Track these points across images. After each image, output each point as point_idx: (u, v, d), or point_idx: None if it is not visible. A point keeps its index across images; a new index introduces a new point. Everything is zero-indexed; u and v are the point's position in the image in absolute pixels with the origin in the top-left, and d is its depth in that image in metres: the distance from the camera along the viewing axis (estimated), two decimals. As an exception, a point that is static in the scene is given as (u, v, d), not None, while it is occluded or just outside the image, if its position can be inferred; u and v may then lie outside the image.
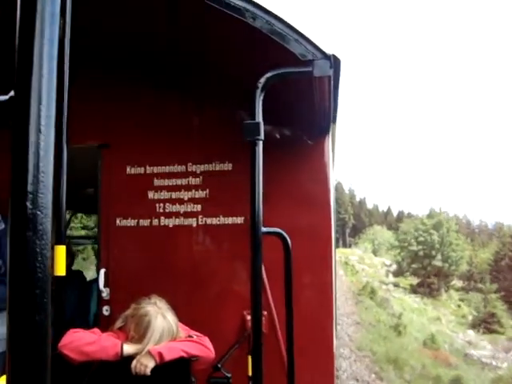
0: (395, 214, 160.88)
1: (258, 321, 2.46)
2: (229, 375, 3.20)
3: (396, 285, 59.66)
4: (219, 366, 3.18)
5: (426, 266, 60.94)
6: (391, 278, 64.76)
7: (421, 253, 61.88)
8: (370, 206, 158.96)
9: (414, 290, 59.66)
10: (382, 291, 44.89)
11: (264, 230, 2.40)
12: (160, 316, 2.91)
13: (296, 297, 3.00)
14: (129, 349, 2.81)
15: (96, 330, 3.00)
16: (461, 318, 49.20)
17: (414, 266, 62.09)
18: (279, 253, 2.75)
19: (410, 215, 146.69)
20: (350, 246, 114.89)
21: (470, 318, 48.10)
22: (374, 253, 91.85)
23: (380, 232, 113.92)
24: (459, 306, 54.52)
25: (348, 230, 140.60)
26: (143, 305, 2.96)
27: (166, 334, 2.88)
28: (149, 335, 2.83)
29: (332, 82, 3.18)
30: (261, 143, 2.42)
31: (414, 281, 62.54)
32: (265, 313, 4.06)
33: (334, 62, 2.89)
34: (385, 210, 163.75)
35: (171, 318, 2.97)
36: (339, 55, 2.89)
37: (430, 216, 78.36)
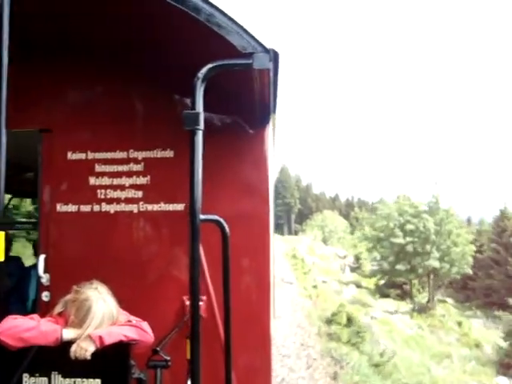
0: (343, 200, 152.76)
1: (196, 305, 2.55)
2: (168, 358, 3.27)
3: (358, 285, 47.52)
4: (158, 349, 3.25)
5: (416, 267, 41.98)
6: (349, 275, 54.42)
7: (409, 247, 41.76)
8: (316, 191, 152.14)
9: (383, 292, 45.63)
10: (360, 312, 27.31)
11: (202, 217, 2.48)
12: (101, 301, 2.94)
13: (234, 282, 3.10)
14: (69, 334, 2.83)
15: (35, 315, 3.00)
16: (475, 347, 31.44)
17: (399, 266, 42.11)
18: (218, 239, 2.84)
19: (361, 202, 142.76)
20: (296, 234, 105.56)
21: (491, 351, 30.62)
22: (325, 241, 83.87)
23: (331, 218, 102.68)
24: (469, 328, 35.61)
25: (294, 216, 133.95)
26: (84, 289, 2.98)
27: (106, 318, 2.92)
28: (89, 320, 2.86)
29: (271, 75, 3.28)
30: (200, 133, 2.50)
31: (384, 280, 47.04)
32: (204, 298, 4.14)
33: (274, 56, 2.99)
34: (332, 196, 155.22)
35: (112, 302, 3.00)
36: (279, 49, 3.00)
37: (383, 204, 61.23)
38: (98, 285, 3.05)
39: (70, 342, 2.80)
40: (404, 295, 45.10)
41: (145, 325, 3.06)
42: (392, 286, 46.19)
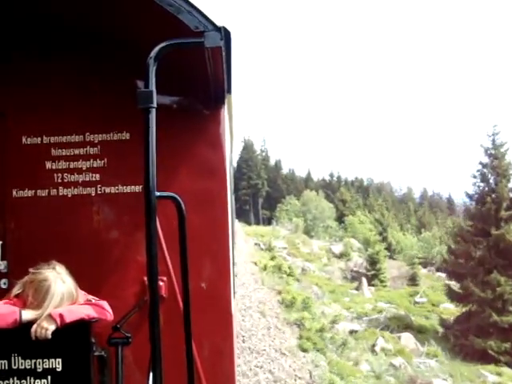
0: (315, 179, 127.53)
1: (154, 285, 2.57)
2: (128, 335, 3.30)
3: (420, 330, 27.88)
4: (118, 326, 3.27)
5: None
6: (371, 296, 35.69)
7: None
8: (284, 171, 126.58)
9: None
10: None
11: (157, 194, 2.50)
12: (59, 280, 2.94)
13: (193, 262, 3.14)
14: (28, 315, 2.83)
15: None
16: None
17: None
18: (177, 220, 2.87)
19: (343, 181, 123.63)
20: (265, 223, 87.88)
21: None
22: (307, 232, 63.56)
23: (313, 201, 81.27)
24: None
25: (261, 200, 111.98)
26: (42, 270, 2.98)
27: (65, 298, 2.92)
28: (48, 300, 2.86)
29: (224, 53, 3.30)
30: (154, 111, 2.51)
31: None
32: (164, 278, 4.18)
33: (225, 34, 3.02)
34: (303, 176, 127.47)
35: (70, 282, 3.01)
36: (229, 27, 3.02)
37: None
38: (56, 265, 3.05)
39: (29, 324, 2.80)
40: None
41: (104, 303, 3.08)
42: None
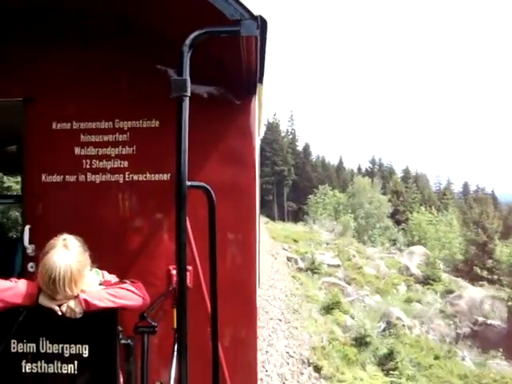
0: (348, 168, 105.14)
1: (182, 274, 2.56)
2: (155, 324, 3.30)
3: None
4: (145, 315, 3.27)
5: None
6: None
7: None
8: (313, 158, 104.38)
9: None
10: None
11: (188, 183, 2.48)
12: (60, 265, 2.74)
13: (220, 252, 3.11)
14: (44, 300, 2.79)
15: (13, 279, 2.95)
16: None
17: None
18: (205, 210, 2.84)
19: (388, 170, 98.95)
20: (291, 217, 76.54)
21: None
22: (359, 236, 48.64)
23: (368, 192, 61.23)
24: None
25: (287, 190, 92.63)
26: (49, 255, 2.79)
27: (67, 281, 2.73)
28: (52, 287, 2.72)
29: (259, 43, 3.27)
30: (187, 99, 2.49)
31: None
32: (190, 268, 4.17)
33: (261, 23, 2.97)
34: (334, 165, 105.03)
35: (76, 261, 2.80)
36: (267, 16, 2.98)
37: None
38: (66, 242, 2.88)
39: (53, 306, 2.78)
40: None
41: (137, 287, 3.04)
42: None
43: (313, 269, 23.09)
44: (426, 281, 28.52)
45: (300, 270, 23.52)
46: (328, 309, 15.45)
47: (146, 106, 4.39)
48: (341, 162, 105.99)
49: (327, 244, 33.26)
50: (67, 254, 2.81)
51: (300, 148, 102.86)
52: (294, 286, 18.71)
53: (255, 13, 2.90)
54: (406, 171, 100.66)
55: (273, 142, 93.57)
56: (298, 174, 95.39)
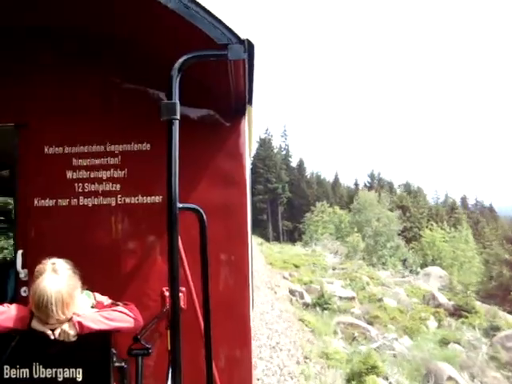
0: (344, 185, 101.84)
1: (175, 296, 2.57)
2: (148, 346, 3.30)
3: None
4: (138, 337, 3.27)
5: None
6: None
7: None
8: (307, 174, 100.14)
9: None
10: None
11: (180, 205, 2.51)
12: (50, 292, 2.73)
13: (213, 273, 3.13)
14: (37, 325, 2.79)
15: (5, 304, 2.96)
16: None
17: None
18: (197, 231, 2.87)
19: (384, 183, 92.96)
20: (287, 237, 74.06)
21: None
22: (370, 258, 43.77)
23: (375, 208, 54.62)
24: None
25: (281, 209, 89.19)
26: (38, 281, 2.80)
27: (59, 307, 2.72)
28: (44, 312, 2.72)
29: (247, 66, 3.32)
30: (177, 122, 2.52)
31: None
32: (183, 289, 4.18)
33: (248, 47, 3.03)
34: (330, 181, 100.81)
35: (65, 286, 2.79)
36: (254, 40, 3.03)
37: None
38: (55, 266, 2.88)
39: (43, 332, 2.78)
40: None
41: (130, 308, 3.05)
42: None
43: (322, 303, 18.90)
44: (458, 312, 22.70)
45: (306, 306, 19.25)
46: (359, 375, 10.45)
47: (137, 130, 4.43)
48: (336, 178, 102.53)
49: (333, 269, 29.53)
50: (57, 278, 2.81)
51: (294, 164, 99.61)
52: (303, 335, 13.72)
53: (242, 36, 2.95)
54: (407, 186, 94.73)
55: (266, 159, 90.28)
56: (293, 192, 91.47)
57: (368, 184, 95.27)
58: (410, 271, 38.62)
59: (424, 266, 41.80)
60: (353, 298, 21.68)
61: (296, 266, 29.48)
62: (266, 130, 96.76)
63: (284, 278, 25.42)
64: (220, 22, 3.00)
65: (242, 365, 4.47)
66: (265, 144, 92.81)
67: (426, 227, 58.93)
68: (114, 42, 4.11)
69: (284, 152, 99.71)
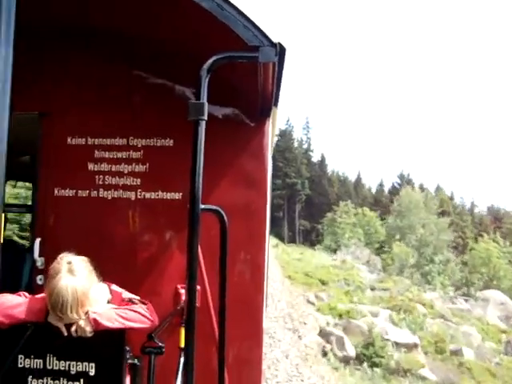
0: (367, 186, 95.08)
1: (192, 296, 2.57)
2: (162, 345, 3.30)
3: None
4: (153, 335, 3.27)
5: None
6: None
7: None
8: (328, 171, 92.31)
9: None
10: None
11: (202, 206, 2.51)
12: (65, 288, 2.72)
13: (229, 273, 3.13)
14: (52, 319, 2.80)
15: (23, 293, 2.98)
16: None
17: None
18: (215, 229, 2.86)
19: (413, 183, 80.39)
20: (304, 238, 69.02)
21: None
22: (414, 276, 35.52)
23: (420, 210, 46.95)
24: None
25: (299, 207, 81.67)
26: (55, 276, 2.77)
27: (74, 304, 2.71)
28: (58, 308, 2.70)
29: (276, 69, 3.30)
30: (203, 123, 2.52)
31: None
32: (198, 287, 4.16)
33: (280, 50, 3.01)
34: (352, 180, 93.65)
35: (81, 284, 2.77)
36: (285, 43, 3.01)
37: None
38: (72, 266, 2.83)
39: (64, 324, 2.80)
40: None
41: (146, 308, 3.04)
42: None
43: (372, 356, 13.03)
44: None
45: (347, 361, 12.95)
46: None
47: (161, 125, 4.42)
48: (359, 178, 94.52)
49: (372, 289, 23.58)
50: (72, 280, 2.77)
51: (315, 160, 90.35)
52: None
53: (274, 40, 2.93)
54: (438, 190, 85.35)
55: (285, 151, 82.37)
56: (313, 189, 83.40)
57: (397, 185, 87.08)
58: (464, 294, 32.49)
59: (473, 285, 35.67)
60: (415, 346, 14.87)
61: (323, 283, 23.11)
62: (287, 120, 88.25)
63: (309, 302, 18.74)
64: (252, 23, 2.97)
65: (253, 364, 4.48)
66: (285, 135, 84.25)
67: (474, 238, 49.99)
68: (145, 40, 4.10)
69: (305, 145, 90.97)
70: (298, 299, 18.61)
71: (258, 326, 4.47)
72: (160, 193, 4.40)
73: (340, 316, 16.50)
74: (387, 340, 14.10)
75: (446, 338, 17.37)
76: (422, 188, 73.04)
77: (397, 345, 14.16)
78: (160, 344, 3.30)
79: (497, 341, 20.60)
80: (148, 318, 3.00)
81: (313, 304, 18.35)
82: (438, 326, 18.79)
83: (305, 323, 14.71)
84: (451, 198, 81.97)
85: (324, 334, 14.30)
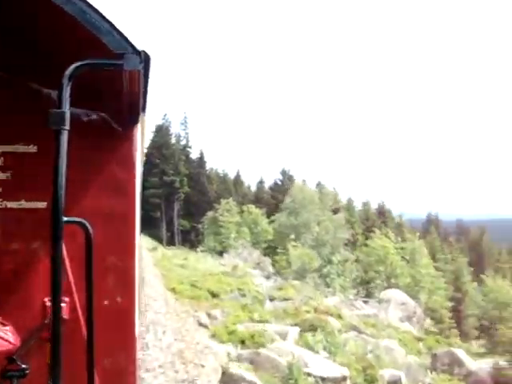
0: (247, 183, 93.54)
1: (56, 309, 2.48)
2: (25, 366, 3.15)
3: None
4: (14, 357, 3.11)
5: None
6: None
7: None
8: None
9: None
10: None
11: (65, 219, 2.43)
12: None
13: (98, 281, 3.07)
14: None
15: None
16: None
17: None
18: (81, 237, 2.80)
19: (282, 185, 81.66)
20: (183, 239, 66.16)
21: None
22: (325, 279, 33.86)
23: (313, 205, 44.52)
24: None
25: (178, 207, 79.56)
26: None
27: None
28: None
29: (142, 76, 3.27)
30: (66, 133, 2.44)
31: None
32: (66, 299, 4.04)
33: (145, 58, 2.99)
34: (231, 177, 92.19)
35: None
36: (149, 51, 3.01)
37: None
38: None
39: None
40: None
41: (5, 331, 2.90)
42: None
43: None
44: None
45: None
46: None
47: (24, 130, 4.21)
48: (238, 175, 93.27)
49: (271, 300, 20.85)
50: None
51: (194, 156, 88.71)
52: None
53: (138, 48, 2.92)
54: (320, 186, 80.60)
55: (162, 147, 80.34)
56: (192, 187, 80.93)
57: (280, 182, 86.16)
58: (366, 295, 29.95)
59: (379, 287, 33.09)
60: (343, 380, 12.21)
61: (213, 295, 20.00)
62: (165, 115, 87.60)
63: (201, 324, 15.55)
64: (117, 30, 2.93)
65: (127, 375, 4.40)
66: (162, 130, 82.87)
67: (363, 234, 47.75)
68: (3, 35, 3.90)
69: (183, 141, 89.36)
70: (187, 324, 14.97)
71: (130, 334, 4.40)
72: (23, 202, 4.19)
73: (243, 343, 13.81)
74: (309, 375, 11.40)
75: (368, 356, 15.94)
76: (304, 184, 71.54)
77: (323, 380, 11.58)
78: (23, 366, 3.14)
79: (416, 352, 19.19)
80: (7, 340, 2.86)
81: (206, 327, 15.30)
82: (356, 343, 17.28)
83: (202, 366, 10.88)
84: (333, 195, 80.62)
85: (229, 379, 10.53)
